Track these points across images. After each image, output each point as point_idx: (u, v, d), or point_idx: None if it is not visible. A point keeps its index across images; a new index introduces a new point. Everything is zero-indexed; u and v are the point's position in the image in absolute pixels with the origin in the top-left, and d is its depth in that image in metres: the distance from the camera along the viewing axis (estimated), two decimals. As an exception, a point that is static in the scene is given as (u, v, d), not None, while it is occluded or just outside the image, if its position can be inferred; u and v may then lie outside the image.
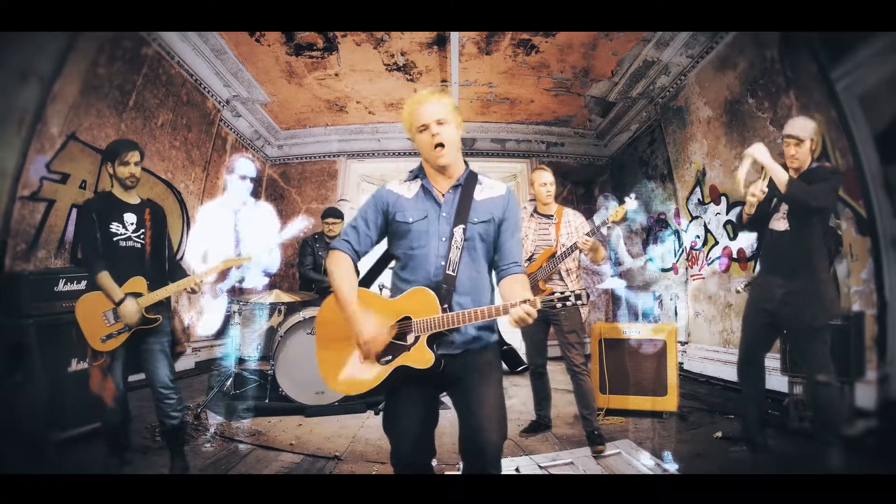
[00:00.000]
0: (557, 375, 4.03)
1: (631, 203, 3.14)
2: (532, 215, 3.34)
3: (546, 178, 3.27)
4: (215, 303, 4.86)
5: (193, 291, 2.56)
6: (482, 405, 1.58)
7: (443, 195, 1.69)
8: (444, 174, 1.69)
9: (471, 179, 1.71)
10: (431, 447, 1.71)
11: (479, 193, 1.69)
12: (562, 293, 1.48)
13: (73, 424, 2.87)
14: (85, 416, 2.89)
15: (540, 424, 3.40)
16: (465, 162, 1.75)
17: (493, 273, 1.73)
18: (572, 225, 3.25)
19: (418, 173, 1.74)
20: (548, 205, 3.30)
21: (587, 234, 3.06)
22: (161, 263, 2.62)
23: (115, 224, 2.48)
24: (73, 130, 3.59)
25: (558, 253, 3.15)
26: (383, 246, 1.81)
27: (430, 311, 1.58)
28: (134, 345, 2.49)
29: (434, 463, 1.76)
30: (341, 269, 1.67)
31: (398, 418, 1.67)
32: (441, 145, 1.62)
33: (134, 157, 2.51)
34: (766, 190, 2.66)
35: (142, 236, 2.54)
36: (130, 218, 2.53)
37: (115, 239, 2.47)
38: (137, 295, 2.44)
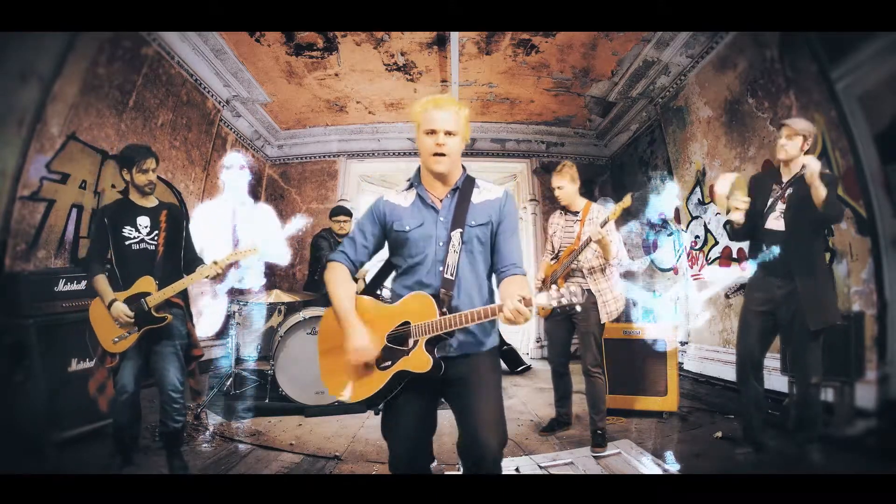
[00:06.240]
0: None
1: (627, 200, 2.95)
2: (560, 212, 3.27)
3: (556, 181, 3.17)
4: (214, 303, 4.85)
5: (217, 277, 2.57)
6: (480, 411, 1.57)
7: (440, 200, 1.68)
8: (441, 180, 1.69)
9: (468, 183, 1.71)
10: (429, 453, 1.73)
11: (477, 196, 1.69)
12: (557, 291, 1.44)
13: (73, 424, 2.87)
14: (85, 416, 2.89)
15: (559, 422, 3.40)
16: (464, 167, 1.74)
17: (494, 276, 1.71)
18: (595, 221, 3.12)
19: (414, 182, 1.73)
20: (571, 203, 3.20)
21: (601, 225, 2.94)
22: (175, 264, 2.63)
23: (128, 228, 2.53)
24: (73, 130, 3.58)
25: (577, 248, 3.08)
26: (385, 254, 1.81)
27: (428, 315, 1.57)
28: (146, 348, 2.51)
29: (434, 464, 1.76)
30: (338, 278, 1.69)
31: (396, 426, 1.67)
32: (442, 154, 1.61)
33: (151, 164, 2.56)
34: (749, 199, 2.68)
35: (155, 238, 2.57)
36: (144, 221, 2.57)
37: (126, 243, 2.51)
38: (146, 294, 2.47)
